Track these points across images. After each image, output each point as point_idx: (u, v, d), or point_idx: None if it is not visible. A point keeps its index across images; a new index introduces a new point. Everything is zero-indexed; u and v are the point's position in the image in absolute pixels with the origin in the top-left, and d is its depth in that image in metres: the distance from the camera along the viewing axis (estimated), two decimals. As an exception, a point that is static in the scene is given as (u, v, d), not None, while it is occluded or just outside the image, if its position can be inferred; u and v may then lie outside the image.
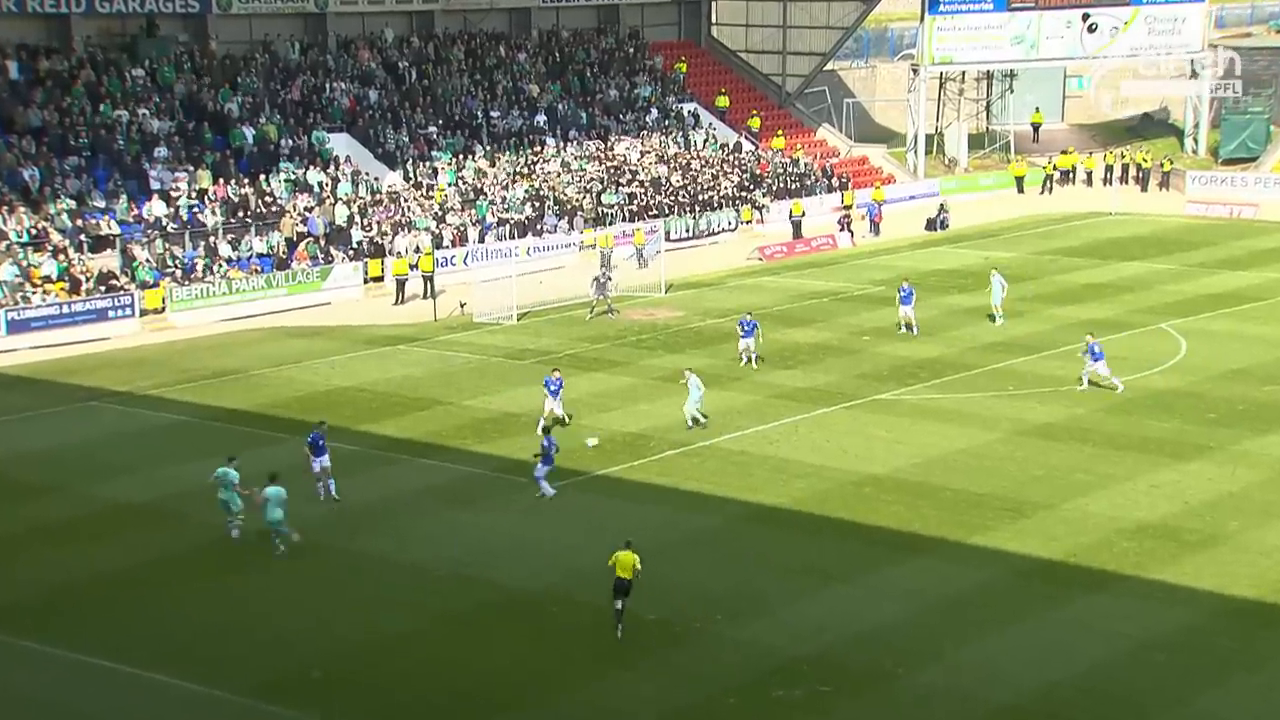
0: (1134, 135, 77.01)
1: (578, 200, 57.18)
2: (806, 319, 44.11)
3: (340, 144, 55.33)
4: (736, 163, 64.25)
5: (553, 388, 32.88)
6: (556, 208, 56.38)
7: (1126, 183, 68.64)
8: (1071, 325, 42.09)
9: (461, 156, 57.42)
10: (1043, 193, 68.32)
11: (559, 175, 58.60)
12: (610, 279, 44.85)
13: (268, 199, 50.97)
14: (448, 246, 52.16)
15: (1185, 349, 38.82)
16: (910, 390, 35.99)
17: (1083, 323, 42.36)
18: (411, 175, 55.81)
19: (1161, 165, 68.71)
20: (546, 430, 29.94)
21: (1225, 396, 34.39)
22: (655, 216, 56.86)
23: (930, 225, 61.51)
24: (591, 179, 58.97)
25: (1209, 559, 24.85)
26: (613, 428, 33.38)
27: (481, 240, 53.25)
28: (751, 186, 62.45)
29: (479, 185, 56.23)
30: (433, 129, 58.23)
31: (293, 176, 52.40)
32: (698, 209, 59.40)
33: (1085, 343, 35.68)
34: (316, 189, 52.54)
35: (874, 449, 31.55)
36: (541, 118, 61.89)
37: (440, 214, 53.83)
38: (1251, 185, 64.82)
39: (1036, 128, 77.85)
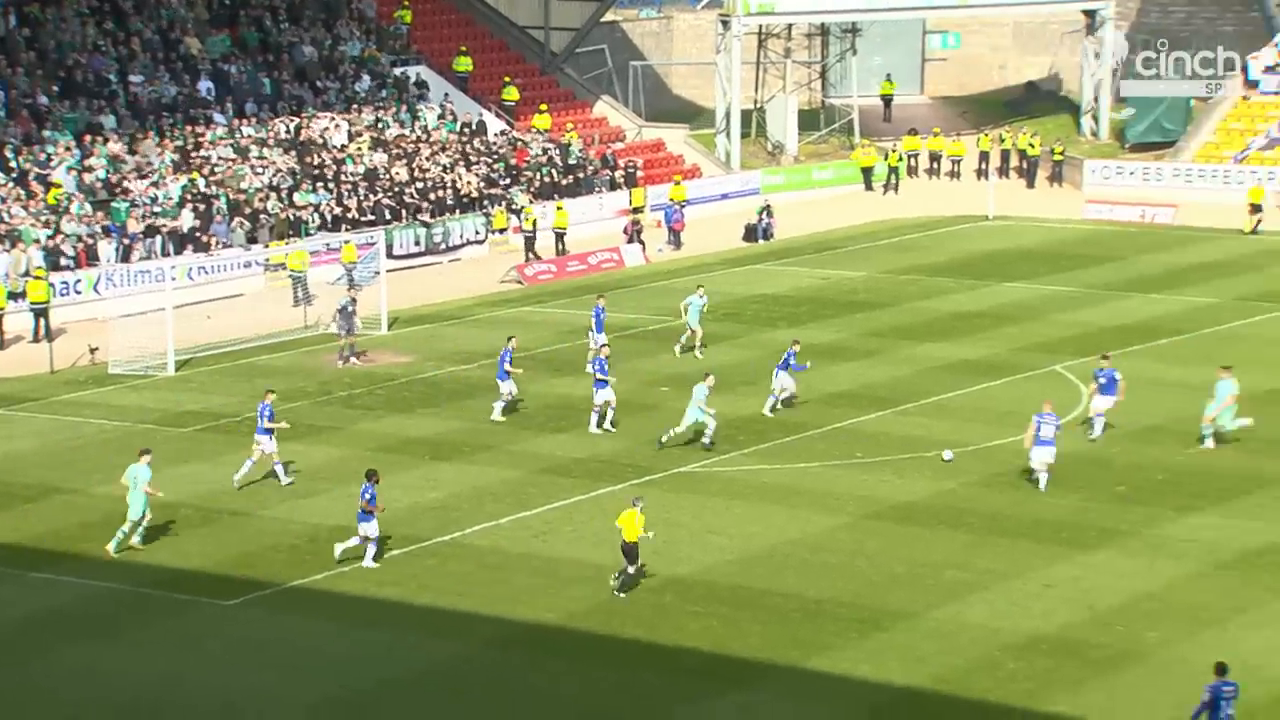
0: (1016, 112, 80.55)
1: (260, 201, 56.59)
2: (583, 364, 44.46)
3: (-100, 119, 53.57)
4: (484, 149, 64.57)
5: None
6: (230, 212, 55.68)
7: (1008, 175, 71.61)
8: (938, 368, 43.55)
9: (88, 138, 56.25)
10: (886, 191, 70.68)
11: (232, 166, 57.89)
12: (355, 310, 45.09)
13: None
14: (69, 268, 50.97)
15: (1086, 399, 40.55)
16: (725, 460, 36.59)
17: (953, 364, 43.88)
18: (13, 164, 54.36)
19: (1052, 153, 71.89)
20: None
21: (1138, 463, 36.02)
22: (371, 224, 56.69)
23: (750, 234, 62.97)
24: (280, 171, 58.45)
25: (1122, 684, 25.78)
26: (313, 520, 33.06)
27: (123, 259, 52.20)
28: (506, 182, 62.83)
29: (115, 180, 55.13)
30: (43, 98, 56.90)
31: None
32: (431, 214, 59.42)
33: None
34: (-127, 184, 50.61)
35: (677, 542, 31.87)
36: (205, 84, 61.08)
37: (56, 220, 52.55)
38: (1168, 179, 68.50)
39: (888, 101, 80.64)
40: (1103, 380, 36.88)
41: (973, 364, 43.96)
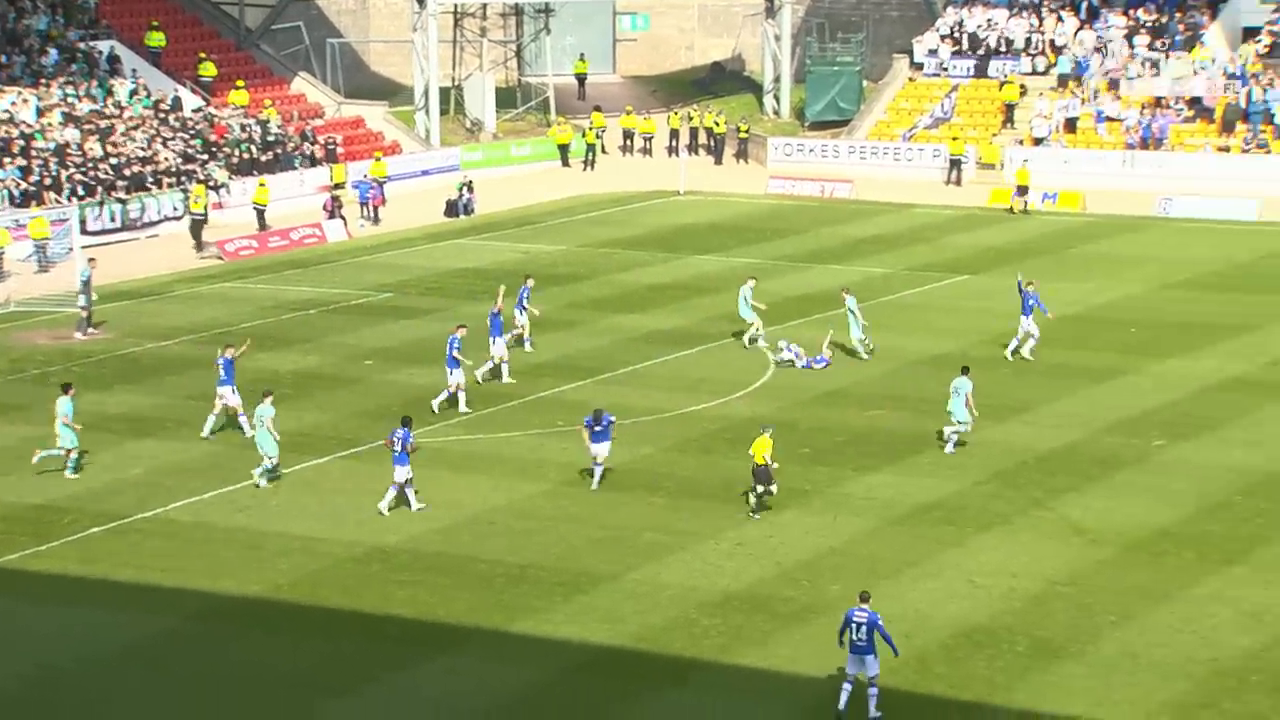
0: (704, 91, 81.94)
1: (-51, 176, 54.44)
2: (287, 338, 43.85)
3: None
4: (180, 125, 63.08)
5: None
6: (-83, 187, 53.44)
7: (697, 152, 72.80)
8: (634, 339, 44.14)
9: None
10: (585, 168, 71.19)
11: (-82, 140, 55.52)
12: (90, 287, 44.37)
13: None
14: None
15: (773, 367, 41.59)
16: (430, 431, 36.51)
17: (649, 334, 44.51)
18: None
19: (738, 130, 73.31)
20: None
21: (821, 426, 37.07)
22: (64, 201, 54.99)
23: (451, 210, 62.81)
24: (-33, 146, 56.29)
25: (807, 636, 26.53)
26: (7, 499, 32.07)
27: None
28: (204, 158, 61.49)
29: None
30: None
31: None
32: (127, 189, 57.86)
33: None
34: None
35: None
36: (-116, 57, 58.45)
37: None
38: (844, 156, 70.43)
39: (582, 80, 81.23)
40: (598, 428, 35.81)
41: (667, 334, 44.65)
